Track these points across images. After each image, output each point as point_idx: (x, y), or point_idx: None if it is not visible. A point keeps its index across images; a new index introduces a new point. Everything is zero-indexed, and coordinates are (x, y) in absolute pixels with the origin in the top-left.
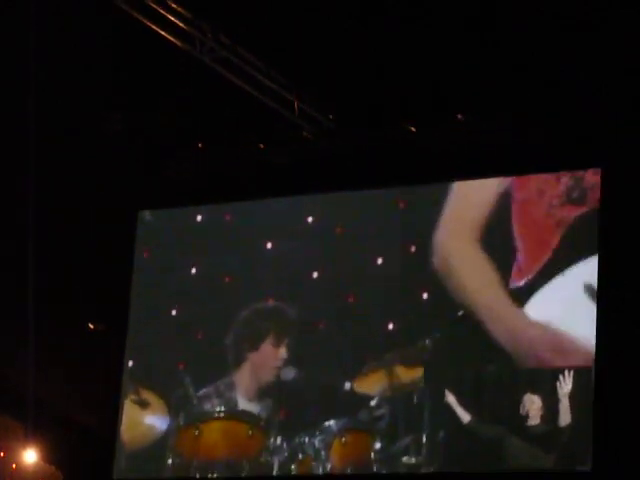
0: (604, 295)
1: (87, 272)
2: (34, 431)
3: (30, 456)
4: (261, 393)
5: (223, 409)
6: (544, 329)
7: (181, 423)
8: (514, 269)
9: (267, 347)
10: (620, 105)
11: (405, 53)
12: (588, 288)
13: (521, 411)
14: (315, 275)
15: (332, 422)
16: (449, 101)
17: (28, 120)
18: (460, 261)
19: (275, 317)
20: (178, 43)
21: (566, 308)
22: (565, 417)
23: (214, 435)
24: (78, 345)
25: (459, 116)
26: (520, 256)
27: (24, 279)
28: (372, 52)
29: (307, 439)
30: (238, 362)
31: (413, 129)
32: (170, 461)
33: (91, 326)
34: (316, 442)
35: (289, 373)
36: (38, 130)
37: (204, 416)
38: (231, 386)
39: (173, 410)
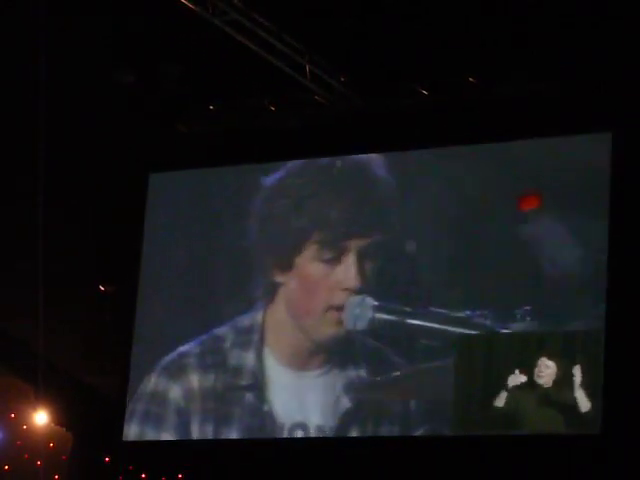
0: (615, 260)
1: (98, 234)
2: (44, 393)
3: (40, 418)
4: None
5: None
6: None
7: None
8: None
9: None
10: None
11: (417, 16)
12: None
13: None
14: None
15: None
16: (460, 63)
17: (39, 76)
18: None
19: None
20: (190, 5)
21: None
22: (576, 382)
23: None
24: (89, 307)
25: (471, 79)
26: None
27: (35, 241)
28: (384, 15)
29: None
30: None
31: (425, 92)
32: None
33: (102, 288)
34: None
35: None
36: (49, 88)
37: None
38: None
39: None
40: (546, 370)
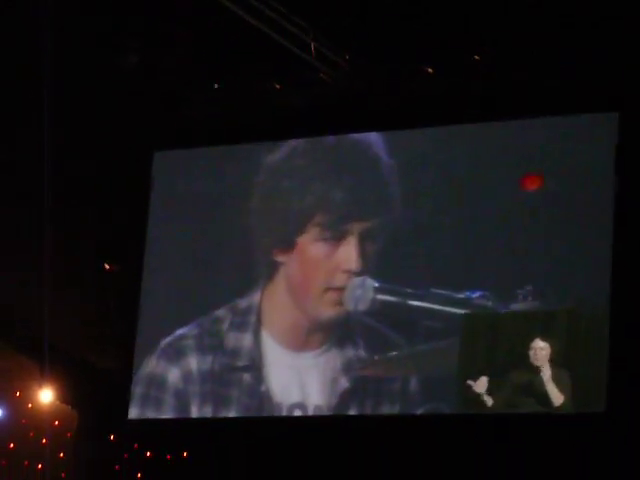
0: (621, 237)
1: (103, 213)
2: (50, 371)
3: (46, 396)
4: None
5: None
6: None
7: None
8: None
9: None
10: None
11: None
12: None
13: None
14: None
15: None
16: (466, 41)
17: (42, 58)
18: None
19: None
20: None
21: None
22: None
23: None
24: (93, 286)
25: (476, 57)
26: None
27: (40, 219)
28: None
29: None
30: None
31: (430, 70)
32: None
33: (107, 267)
34: None
35: None
36: (52, 71)
37: None
38: None
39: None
40: (541, 352)
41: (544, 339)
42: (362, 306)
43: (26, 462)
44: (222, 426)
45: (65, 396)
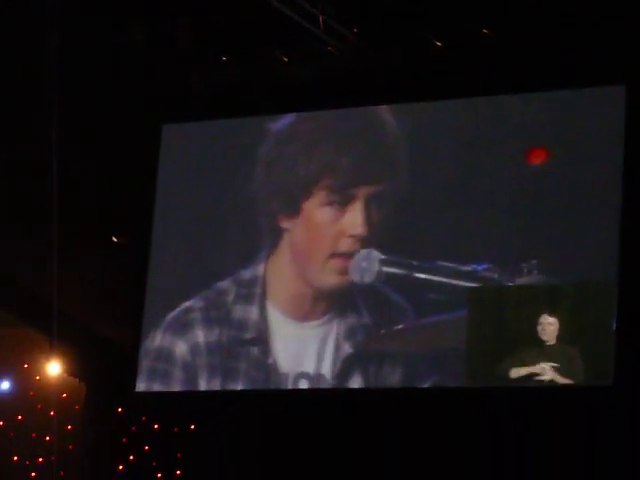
0: (628, 213)
1: (111, 185)
2: (58, 344)
3: (54, 368)
4: None
5: None
6: None
7: None
8: None
9: None
10: None
11: None
12: None
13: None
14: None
15: None
16: (474, 15)
17: (51, 31)
18: None
19: None
20: None
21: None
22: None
23: None
24: (102, 258)
25: (485, 31)
26: None
27: (48, 193)
28: None
29: None
30: None
31: (438, 43)
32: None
33: (115, 239)
34: None
35: None
36: (62, 43)
37: None
38: None
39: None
40: (549, 328)
41: (552, 314)
42: (368, 278)
43: (34, 434)
44: (229, 399)
45: (73, 369)
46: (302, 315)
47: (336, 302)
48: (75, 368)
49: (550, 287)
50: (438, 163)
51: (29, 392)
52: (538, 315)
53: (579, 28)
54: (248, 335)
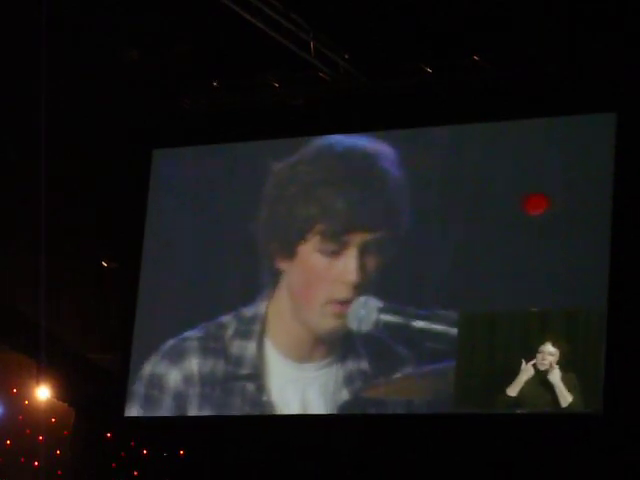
0: (618, 241)
1: (101, 210)
2: (47, 368)
3: (43, 393)
4: None
5: None
6: None
7: None
8: None
9: None
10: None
11: None
12: None
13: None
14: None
15: None
16: (465, 42)
17: (40, 54)
18: None
19: None
20: None
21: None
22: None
23: None
24: (92, 283)
25: (475, 57)
26: None
27: (38, 215)
28: None
29: None
30: None
31: (429, 70)
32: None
33: (105, 264)
34: None
35: None
36: (51, 64)
37: None
38: None
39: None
40: (549, 357)
41: (549, 340)
42: (365, 326)
43: (22, 459)
44: (220, 424)
45: (62, 393)
46: (301, 357)
47: (335, 347)
48: (64, 393)
49: (542, 314)
50: (437, 207)
51: (18, 417)
52: (534, 341)
53: (570, 58)
54: (244, 371)
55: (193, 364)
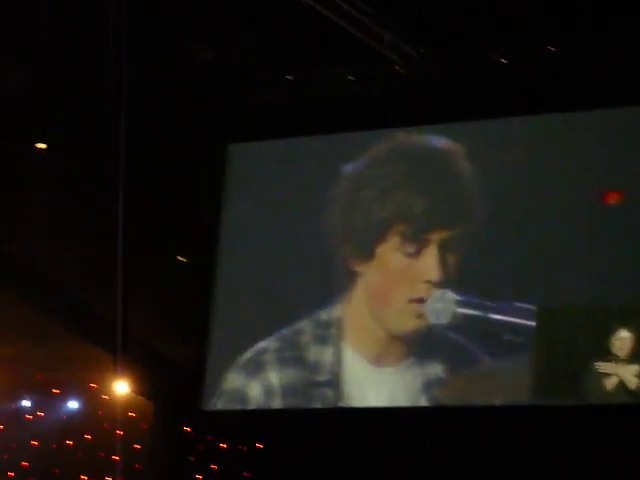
0: None
1: (178, 205)
2: (125, 363)
3: (121, 387)
4: None
5: None
6: None
7: None
8: None
9: None
10: None
11: None
12: None
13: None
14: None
15: None
16: (540, 32)
17: (119, 51)
18: None
19: None
20: None
21: None
22: None
23: None
24: (168, 278)
25: (550, 47)
26: None
27: (114, 210)
28: None
29: None
30: None
31: (504, 61)
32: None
33: (180, 259)
34: None
35: None
36: (129, 63)
37: None
38: None
39: None
40: (625, 342)
41: (627, 330)
42: (443, 319)
43: (102, 453)
44: (298, 417)
45: (140, 388)
46: (379, 359)
47: (414, 347)
48: (142, 387)
49: (621, 304)
50: (512, 201)
51: (97, 411)
52: (612, 331)
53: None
54: (322, 377)
55: (271, 375)
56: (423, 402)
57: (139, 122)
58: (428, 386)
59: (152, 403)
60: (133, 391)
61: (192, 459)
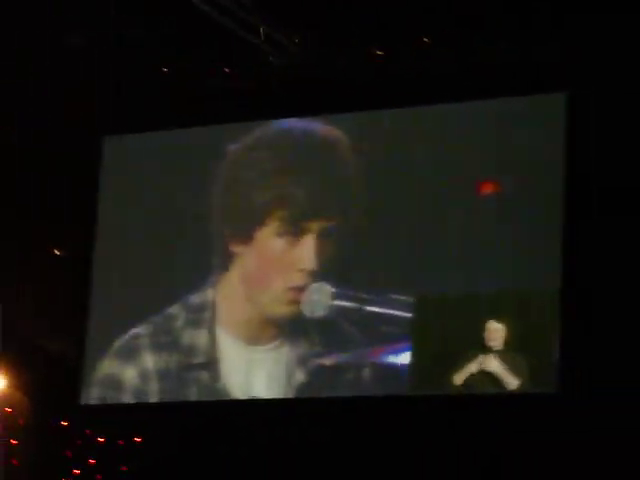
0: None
1: (54, 197)
2: (1, 357)
3: None
4: None
5: None
6: None
7: None
8: None
9: None
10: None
11: None
12: None
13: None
14: None
15: None
16: (417, 24)
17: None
18: None
19: None
20: None
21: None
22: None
23: None
24: (45, 270)
25: (426, 39)
26: None
27: None
28: None
29: None
30: None
31: (380, 52)
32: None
33: (57, 252)
34: None
35: None
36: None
37: None
38: None
39: None
40: (496, 333)
41: (498, 321)
42: (318, 312)
43: None
44: (176, 410)
45: (16, 382)
46: (253, 339)
47: (287, 328)
48: (19, 381)
49: (494, 295)
50: (394, 193)
51: None
52: (484, 321)
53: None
54: (197, 360)
55: (147, 360)
56: (300, 378)
57: (8, 115)
58: (303, 362)
59: (29, 398)
60: (9, 385)
61: (69, 454)
